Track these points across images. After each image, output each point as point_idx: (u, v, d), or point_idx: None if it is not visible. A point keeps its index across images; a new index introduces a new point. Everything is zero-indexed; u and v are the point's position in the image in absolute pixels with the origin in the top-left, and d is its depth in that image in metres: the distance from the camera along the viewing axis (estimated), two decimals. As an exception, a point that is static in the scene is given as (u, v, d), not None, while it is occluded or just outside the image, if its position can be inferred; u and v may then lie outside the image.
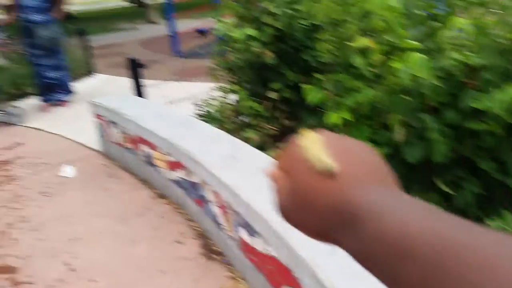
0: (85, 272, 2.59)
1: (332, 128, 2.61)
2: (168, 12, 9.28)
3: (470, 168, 2.22)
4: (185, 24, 11.90)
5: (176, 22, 9.20)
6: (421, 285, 0.25)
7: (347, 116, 2.42)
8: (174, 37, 9.24)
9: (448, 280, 0.24)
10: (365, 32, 2.46)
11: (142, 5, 19.59)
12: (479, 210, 2.20)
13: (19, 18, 5.41)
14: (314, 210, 0.32)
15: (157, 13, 15.71)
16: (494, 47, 2.22)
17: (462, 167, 2.22)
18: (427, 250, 0.25)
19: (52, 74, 5.66)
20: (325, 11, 2.55)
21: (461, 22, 2.26)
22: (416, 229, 0.26)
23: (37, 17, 5.31)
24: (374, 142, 2.30)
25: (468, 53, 2.24)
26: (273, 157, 2.88)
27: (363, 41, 2.36)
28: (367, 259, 0.29)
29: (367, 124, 2.39)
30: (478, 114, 2.11)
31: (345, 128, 2.49)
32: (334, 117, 2.41)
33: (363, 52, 2.53)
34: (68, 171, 3.93)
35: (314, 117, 3.28)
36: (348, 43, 2.49)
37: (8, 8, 5.61)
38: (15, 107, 5.44)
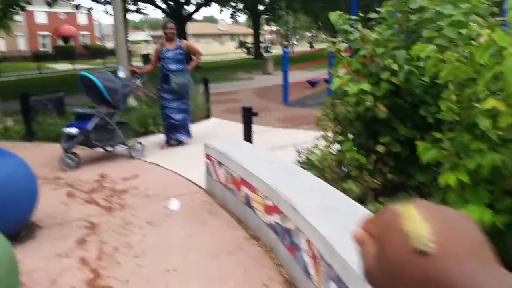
0: (176, 303, 2.66)
1: (446, 189, 2.39)
2: (284, 64, 9.77)
3: None
4: (298, 75, 12.36)
5: (289, 73, 9.61)
6: None
7: (465, 178, 2.19)
8: (285, 87, 9.63)
9: None
10: (494, 94, 2.26)
11: (259, 57, 20.94)
12: None
13: (158, 67, 6.23)
14: (402, 281, 0.32)
15: (273, 65, 16.65)
16: None
17: None
18: None
19: (178, 116, 6.33)
20: (452, 70, 2.41)
21: None
22: None
23: (173, 66, 6.11)
24: (494, 208, 2.04)
25: None
26: (367, 217, 2.71)
27: (492, 103, 2.17)
28: None
29: (486, 188, 2.14)
30: None
31: (461, 190, 2.26)
32: (450, 178, 2.20)
33: (491, 114, 2.31)
34: (174, 204, 4.20)
35: (423, 175, 3.05)
36: (475, 104, 2.31)
37: (149, 59, 6.53)
38: (139, 143, 6.10)
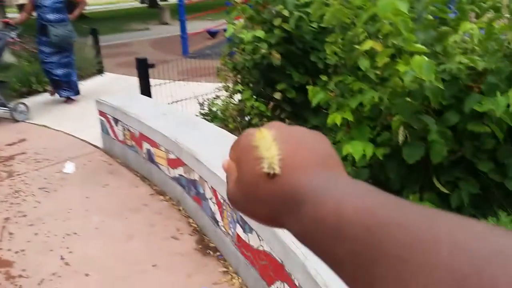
0: (79, 267, 2.57)
1: (334, 128, 2.59)
2: (180, 12, 9.35)
3: (468, 169, 2.19)
4: (197, 26, 11.97)
5: (188, 23, 9.26)
6: (355, 263, 0.26)
7: (349, 117, 2.39)
8: (184, 38, 9.29)
9: (379, 257, 0.25)
10: (373, 36, 2.44)
11: (154, 6, 19.76)
12: (475, 210, 2.17)
13: (34, 17, 5.50)
14: (258, 199, 0.33)
15: (169, 14, 15.85)
16: (502, 51, 2.18)
17: (460, 168, 2.18)
18: (360, 229, 0.26)
19: (58, 71, 5.73)
20: (334, 14, 2.53)
21: (470, 26, 2.22)
22: (351, 209, 0.27)
23: (51, 16, 5.42)
24: (375, 142, 2.27)
25: (475, 57, 2.20)
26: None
27: (370, 44, 2.33)
28: (307, 240, 0.30)
29: (368, 125, 2.36)
30: (479, 117, 2.07)
31: (347, 128, 2.46)
32: (336, 118, 2.38)
33: (370, 55, 2.50)
34: (69, 167, 3.94)
35: (317, 117, 3.25)
36: (355, 46, 2.47)
37: (23, 7, 5.72)
38: (22, 104, 5.48)
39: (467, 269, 0.21)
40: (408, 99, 2.23)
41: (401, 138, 2.08)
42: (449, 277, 0.21)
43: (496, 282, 0.20)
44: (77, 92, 6.06)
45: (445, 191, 2.15)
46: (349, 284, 0.27)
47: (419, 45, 2.15)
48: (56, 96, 6.03)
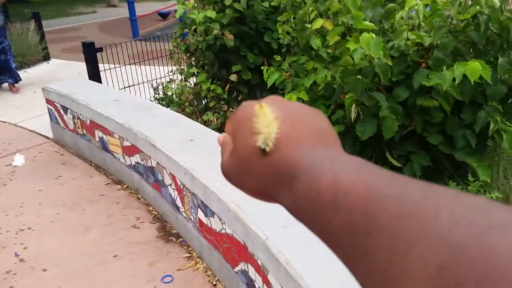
0: (36, 262, 2.48)
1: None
2: (127, -5, 8.97)
3: (419, 142, 2.28)
4: (146, 7, 11.56)
5: (137, 5, 8.91)
6: (349, 235, 0.26)
7: (304, 96, 2.41)
8: (133, 20, 8.96)
9: (375, 228, 0.24)
10: (323, 14, 2.45)
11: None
12: (427, 181, 2.28)
13: None
14: (253, 172, 0.33)
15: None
16: (446, 27, 2.26)
17: (411, 142, 2.27)
18: (356, 200, 0.26)
19: None
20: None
21: (415, 2, 2.28)
22: (347, 182, 0.27)
23: None
24: (330, 120, 2.31)
25: (421, 33, 2.27)
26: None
27: (321, 22, 2.35)
28: (302, 214, 0.29)
29: (323, 104, 2.40)
30: (427, 91, 2.16)
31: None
32: (292, 98, 2.40)
33: (321, 34, 2.52)
34: (18, 159, 3.74)
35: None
36: (307, 25, 2.47)
37: None
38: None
39: (466, 241, 0.21)
40: (359, 76, 2.28)
41: (353, 115, 2.13)
42: (447, 248, 0.21)
43: (496, 251, 0.20)
44: (16, 79, 5.72)
45: (398, 164, 2.24)
46: (343, 257, 0.27)
47: (367, 23, 2.19)
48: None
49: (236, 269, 2.04)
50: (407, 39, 2.30)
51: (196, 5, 3.69)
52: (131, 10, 8.98)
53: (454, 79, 1.98)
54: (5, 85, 5.73)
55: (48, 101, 4.01)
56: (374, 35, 2.02)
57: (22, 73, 6.10)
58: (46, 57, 7.33)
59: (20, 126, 4.52)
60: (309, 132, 0.33)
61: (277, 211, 1.82)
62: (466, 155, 2.25)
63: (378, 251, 0.24)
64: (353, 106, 2.14)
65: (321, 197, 0.28)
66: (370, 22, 2.32)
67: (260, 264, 1.77)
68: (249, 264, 1.91)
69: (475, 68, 1.92)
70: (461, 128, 2.28)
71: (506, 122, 2.24)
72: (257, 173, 0.32)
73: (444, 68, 2.05)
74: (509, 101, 2.37)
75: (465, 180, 2.32)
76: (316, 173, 0.29)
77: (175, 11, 3.78)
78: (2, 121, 4.70)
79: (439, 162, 2.34)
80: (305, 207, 0.29)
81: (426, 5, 2.41)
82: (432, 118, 2.17)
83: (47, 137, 4.18)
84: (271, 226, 1.74)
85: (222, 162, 0.37)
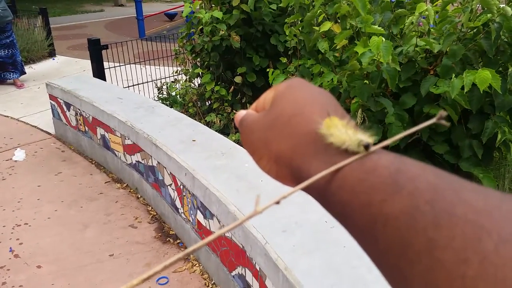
0: (31, 259, 2.44)
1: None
2: (136, -6, 9.00)
3: (425, 151, 2.24)
4: (154, 8, 11.58)
5: (145, 5, 8.92)
6: (406, 225, 0.22)
7: (309, 100, 2.37)
8: (140, 20, 8.97)
9: (445, 221, 0.21)
10: (331, 17, 2.42)
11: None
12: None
13: None
14: (294, 133, 0.31)
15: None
16: (456, 34, 2.22)
17: (417, 151, 2.23)
18: (421, 188, 0.23)
19: (2, 53, 5.44)
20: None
21: (426, 9, 2.25)
22: (413, 167, 0.24)
23: None
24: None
25: (431, 39, 2.23)
26: (233, 140, 2.83)
27: (329, 25, 2.32)
28: (340, 187, 0.26)
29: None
30: (435, 99, 2.12)
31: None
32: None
33: (329, 37, 2.49)
34: (19, 154, 3.72)
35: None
36: (314, 27, 2.44)
37: None
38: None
39: None
40: (366, 81, 2.24)
41: (359, 120, 2.09)
42: None
43: None
44: (22, 72, 5.74)
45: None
46: (388, 251, 0.23)
47: (376, 27, 2.15)
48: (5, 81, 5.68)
49: (233, 273, 2.00)
50: (416, 45, 2.26)
51: (203, 5, 3.67)
52: (139, 9, 9.00)
53: (462, 88, 1.94)
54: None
55: (51, 97, 3.99)
56: (384, 39, 1.99)
57: (27, 69, 6.11)
58: (52, 54, 7.34)
59: (22, 121, 4.50)
60: (327, 103, 0.32)
61: (277, 215, 1.78)
62: (472, 166, 2.21)
63: (449, 247, 0.20)
64: (359, 111, 2.10)
65: (379, 173, 0.25)
66: (378, 26, 2.28)
67: (258, 268, 1.73)
68: (246, 269, 1.86)
69: (485, 76, 1.88)
70: (468, 138, 2.24)
71: (514, 133, 2.20)
72: (298, 134, 0.30)
73: (453, 75, 2.01)
74: (518, 112, 2.32)
75: (471, 191, 2.27)
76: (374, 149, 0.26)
77: (182, 12, 3.76)
78: (5, 116, 4.69)
79: (444, 171, 2.30)
80: (349, 180, 0.26)
81: (436, 12, 2.38)
82: (439, 127, 2.13)
83: (49, 133, 4.16)
84: (270, 230, 1.69)
85: (250, 120, 0.36)
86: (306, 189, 0.29)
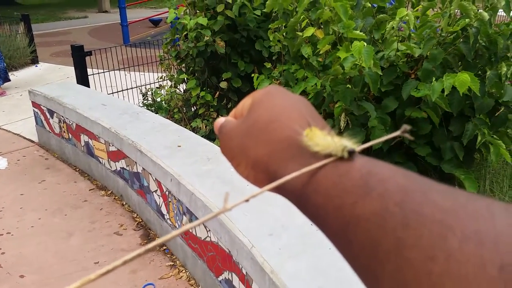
0: (13, 268, 2.39)
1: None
2: (120, 0, 8.95)
3: (407, 153, 2.28)
4: (138, 14, 11.54)
5: (129, 11, 8.88)
6: (376, 226, 0.23)
7: (294, 104, 2.39)
8: (125, 26, 8.93)
9: (413, 221, 0.22)
10: (314, 23, 2.45)
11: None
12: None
13: None
14: (270, 139, 0.31)
15: (109, 1, 15.16)
16: (435, 39, 2.27)
17: (399, 153, 2.26)
18: (391, 189, 0.24)
19: None
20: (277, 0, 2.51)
21: (406, 14, 2.30)
22: (384, 169, 0.25)
23: None
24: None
25: (411, 44, 2.28)
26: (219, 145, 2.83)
27: (312, 31, 2.35)
28: (314, 190, 0.27)
29: (312, 112, 2.38)
30: (416, 102, 2.16)
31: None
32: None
33: (312, 42, 2.51)
34: (1, 163, 3.65)
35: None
36: (298, 33, 2.47)
37: None
38: None
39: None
40: (348, 86, 2.27)
41: (342, 124, 2.12)
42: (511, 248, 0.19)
43: None
44: (6, 79, 5.65)
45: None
46: (361, 251, 0.24)
47: (358, 32, 2.19)
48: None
49: (220, 278, 2.00)
50: (397, 50, 2.30)
51: (188, 11, 3.68)
52: (123, 16, 8.96)
53: (443, 91, 1.98)
54: None
55: (34, 104, 3.94)
56: (365, 44, 2.02)
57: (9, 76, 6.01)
58: (35, 61, 7.24)
59: (4, 129, 4.43)
60: (306, 111, 0.33)
61: (263, 218, 1.79)
62: (453, 167, 2.25)
63: (417, 246, 0.21)
64: (343, 115, 2.13)
65: (351, 176, 0.25)
66: (360, 32, 2.32)
67: (245, 273, 1.73)
68: (233, 273, 1.86)
69: (464, 80, 1.92)
70: (449, 140, 2.28)
71: (493, 135, 2.25)
72: (275, 140, 0.31)
73: (434, 79, 2.06)
74: (496, 114, 2.38)
75: (453, 192, 2.32)
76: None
77: (167, 18, 3.76)
78: (-14, 124, 4.60)
79: (427, 173, 2.34)
80: (323, 183, 0.26)
81: (417, 17, 2.43)
82: (420, 129, 2.17)
83: (32, 141, 4.10)
84: (257, 234, 1.70)
85: (228, 127, 0.36)
86: (284, 193, 0.30)
